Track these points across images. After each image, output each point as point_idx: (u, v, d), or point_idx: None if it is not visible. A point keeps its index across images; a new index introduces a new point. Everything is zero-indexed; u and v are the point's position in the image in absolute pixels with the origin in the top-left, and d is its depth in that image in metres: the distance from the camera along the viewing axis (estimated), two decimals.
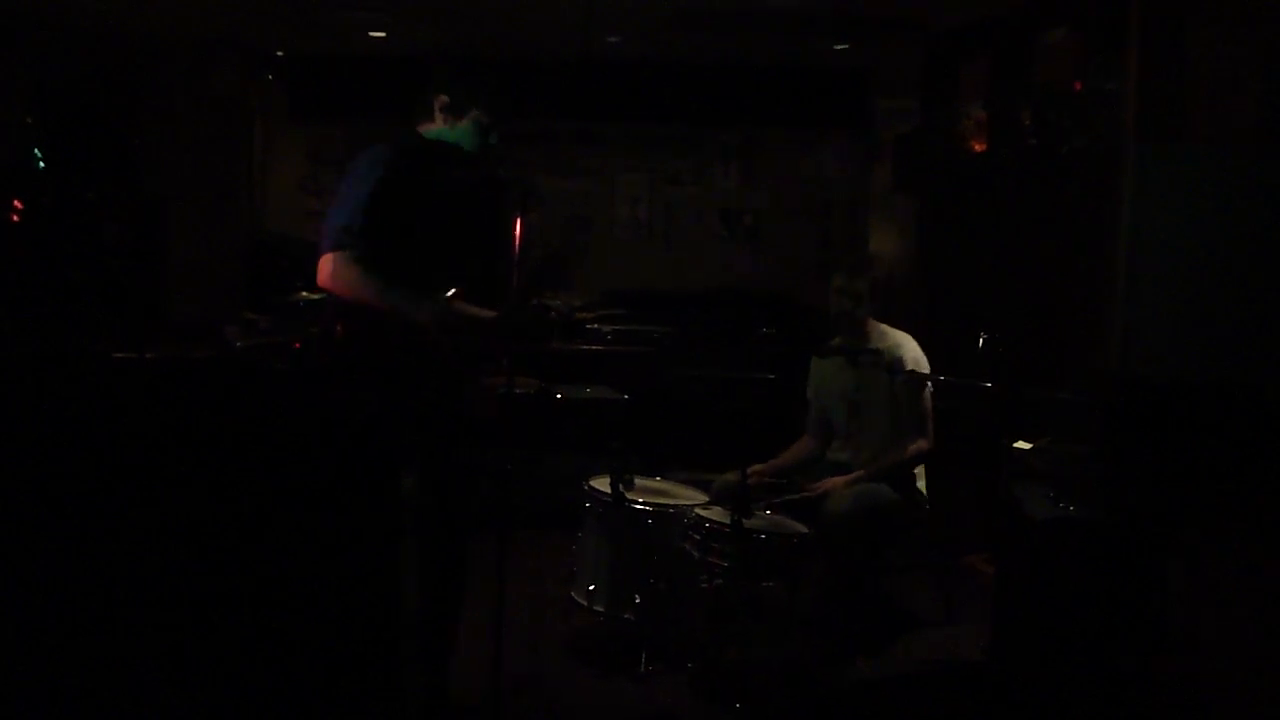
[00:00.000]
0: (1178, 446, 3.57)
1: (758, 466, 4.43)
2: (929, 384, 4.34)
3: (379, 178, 3.24)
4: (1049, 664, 3.62)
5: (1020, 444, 4.08)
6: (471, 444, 3.63)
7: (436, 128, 3.44)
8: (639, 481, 4.20)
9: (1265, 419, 3.58)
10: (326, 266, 3.20)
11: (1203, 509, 3.52)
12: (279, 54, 8.87)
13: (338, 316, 3.32)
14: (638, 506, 4.01)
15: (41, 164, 7.08)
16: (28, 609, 2.71)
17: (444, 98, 3.41)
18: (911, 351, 4.38)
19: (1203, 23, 4.93)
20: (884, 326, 4.47)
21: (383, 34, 7.91)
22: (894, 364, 4.25)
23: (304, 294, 6.11)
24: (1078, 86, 5.55)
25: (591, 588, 4.01)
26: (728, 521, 3.78)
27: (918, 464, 4.41)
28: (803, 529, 3.97)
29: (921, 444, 4.37)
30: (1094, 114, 5.44)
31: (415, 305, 3.23)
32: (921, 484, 4.47)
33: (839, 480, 4.30)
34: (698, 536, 3.87)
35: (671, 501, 4.11)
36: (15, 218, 6.64)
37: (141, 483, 2.74)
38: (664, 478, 4.41)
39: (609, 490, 4.05)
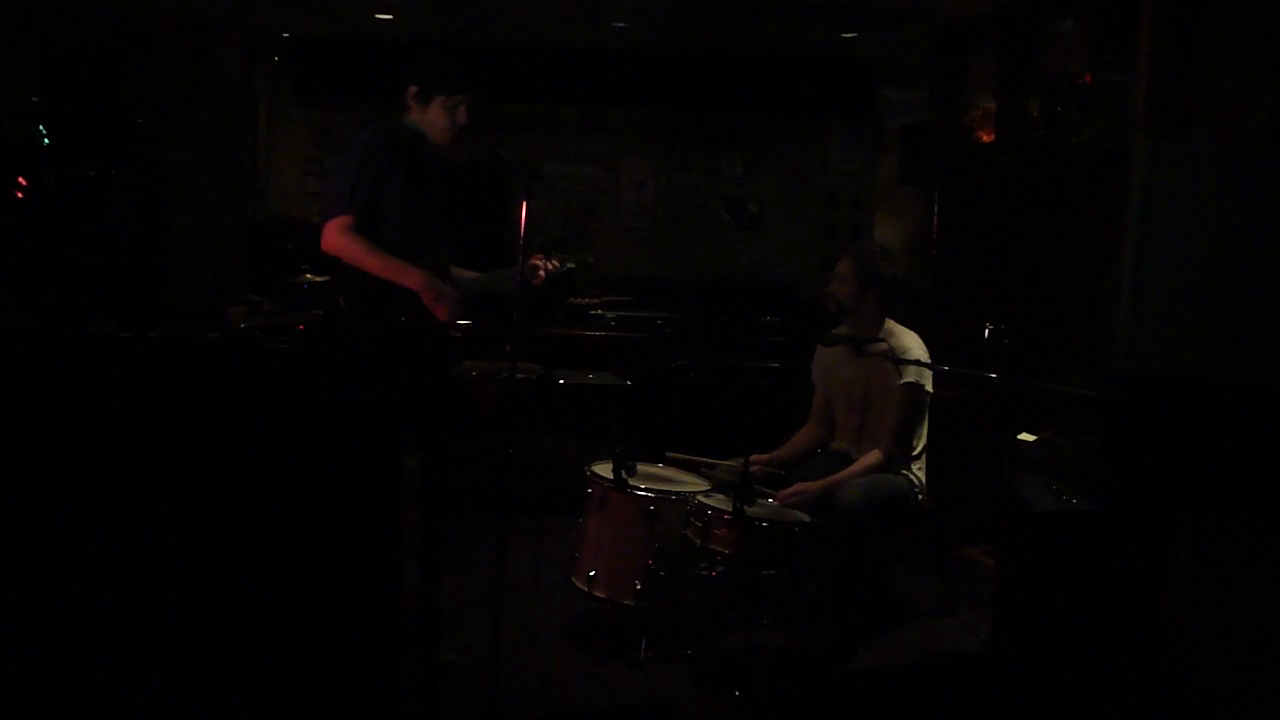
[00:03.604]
0: (1181, 440, 3.56)
1: (760, 456, 4.41)
2: (920, 390, 4.29)
3: (367, 155, 3.60)
4: (1050, 656, 3.62)
5: (1024, 436, 4.07)
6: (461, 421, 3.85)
7: (413, 117, 3.77)
8: (641, 468, 4.19)
9: (1269, 414, 3.57)
10: (327, 233, 3.59)
11: (1205, 502, 3.52)
12: (285, 35, 8.84)
13: (340, 289, 3.69)
14: (639, 492, 4.01)
15: (46, 142, 7.06)
16: (29, 589, 2.71)
17: (413, 87, 3.76)
18: (914, 350, 4.33)
19: (1214, 16, 4.91)
20: (893, 324, 4.42)
21: (389, 16, 7.89)
22: (901, 360, 4.20)
23: (308, 276, 6.10)
24: (1087, 79, 5.52)
25: (592, 574, 4.01)
26: (729, 509, 3.78)
27: (867, 475, 4.27)
28: (804, 517, 3.97)
29: (875, 455, 4.30)
30: (1103, 107, 5.42)
31: (405, 270, 3.56)
32: (921, 473, 4.46)
33: (807, 486, 4.22)
34: (699, 523, 3.87)
35: (673, 488, 4.10)
36: (19, 195, 6.63)
37: (144, 462, 2.74)
38: (665, 464, 4.41)
39: (611, 476, 4.05)
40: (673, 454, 4.48)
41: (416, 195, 3.67)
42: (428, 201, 3.73)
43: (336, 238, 3.57)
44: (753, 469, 3.95)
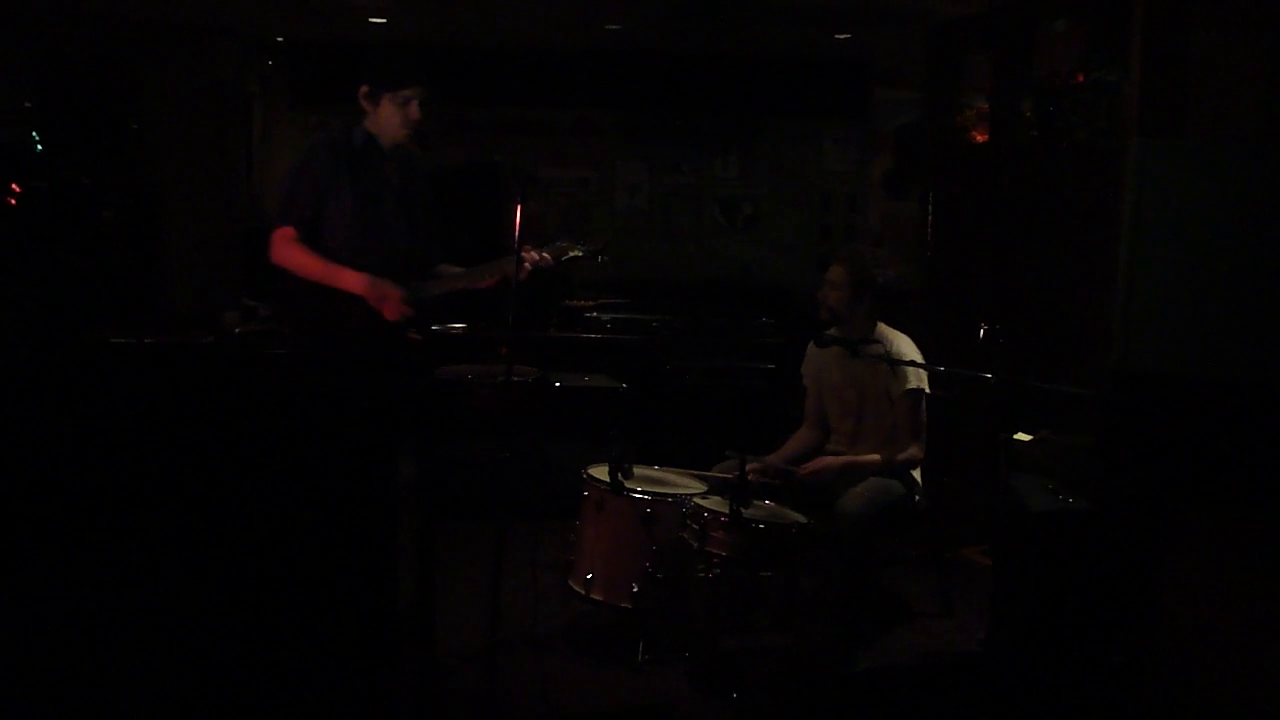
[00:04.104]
0: (1176, 440, 3.57)
1: (756, 464, 4.40)
2: (923, 394, 4.32)
3: (306, 166, 3.68)
4: (1046, 656, 3.62)
5: (1019, 436, 4.08)
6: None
7: (369, 120, 3.80)
8: (637, 470, 4.19)
9: (1265, 413, 3.58)
10: (272, 245, 3.65)
11: (1200, 502, 3.52)
12: (279, 40, 8.84)
13: (281, 303, 3.77)
14: (636, 495, 4.01)
15: (39, 148, 7.05)
16: (28, 592, 2.71)
17: (362, 88, 3.81)
18: (909, 354, 4.34)
19: (1207, 15, 4.91)
20: (883, 326, 4.43)
21: (383, 20, 7.89)
22: (896, 361, 4.22)
23: None
24: (1080, 79, 5.53)
25: (589, 576, 4.01)
26: (726, 511, 3.77)
27: (909, 469, 4.38)
28: (801, 519, 3.97)
29: (914, 451, 4.34)
30: (1096, 106, 5.43)
31: (345, 275, 3.59)
32: (916, 473, 4.46)
33: (830, 460, 4.27)
34: (696, 526, 3.87)
35: (670, 490, 4.10)
36: (13, 202, 6.62)
37: (141, 466, 2.74)
38: (662, 467, 4.41)
39: (607, 478, 4.04)
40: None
41: (367, 201, 3.70)
42: (381, 206, 3.74)
43: (281, 249, 3.64)
44: (749, 476, 3.94)
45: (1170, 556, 3.52)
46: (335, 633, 2.85)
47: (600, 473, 4.11)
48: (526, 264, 3.71)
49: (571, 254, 3.77)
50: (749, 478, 3.88)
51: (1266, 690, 3.22)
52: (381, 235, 3.72)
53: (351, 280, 3.59)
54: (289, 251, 3.63)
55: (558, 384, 6.06)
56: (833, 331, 4.40)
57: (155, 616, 2.73)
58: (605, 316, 6.97)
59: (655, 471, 4.35)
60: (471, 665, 3.69)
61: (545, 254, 3.73)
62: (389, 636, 3.01)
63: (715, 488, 4.20)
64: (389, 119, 3.76)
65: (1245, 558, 3.42)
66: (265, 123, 9.24)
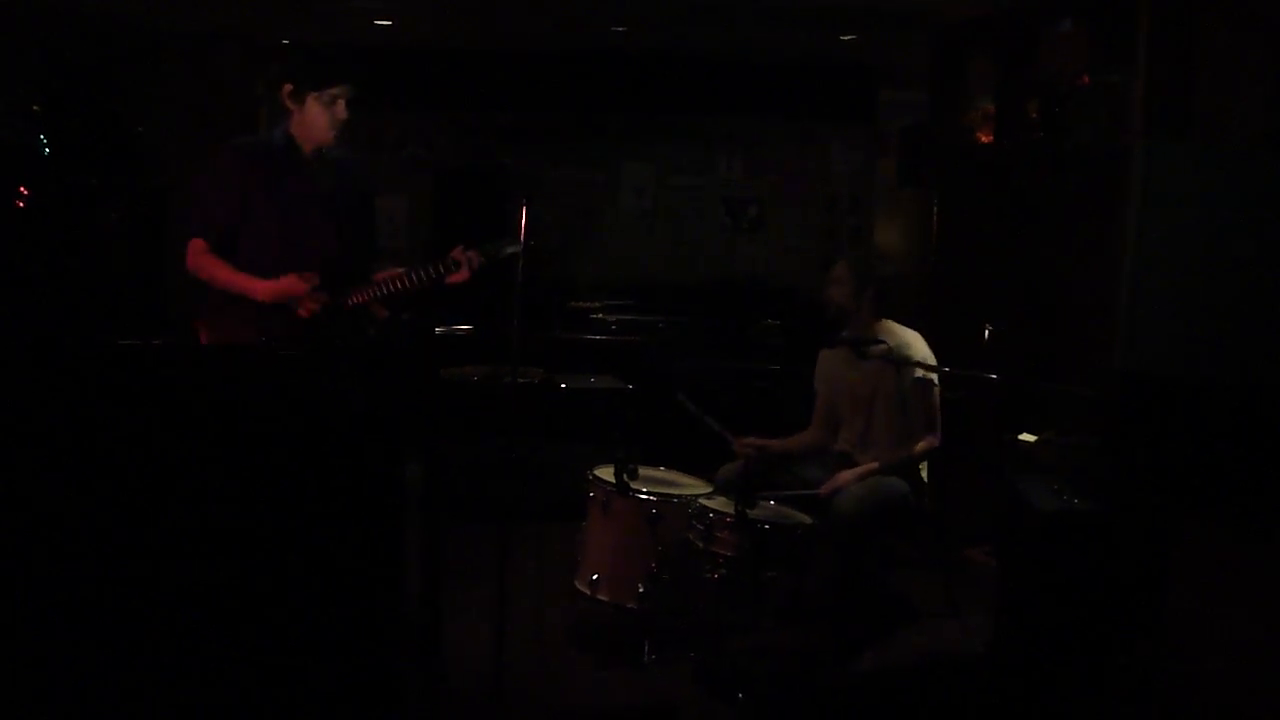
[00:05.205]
0: (1181, 441, 3.57)
1: (755, 440, 4.43)
2: (936, 383, 4.35)
3: (216, 178, 3.64)
4: (1051, 657, 3.62)
5: (1025, 436, 4.08)
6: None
7: (294, 119, 3.70)
8: (643, 471, 4.20)
9: (1267, 414, 3.58)
10: (187, 255, 3.65)
11: (1205, 504, 3.53)
12: (284, 43, 8.86)
13: (197, 318, 3.73)
14: (642, 496, 4.02)
15: (47, 150, 7.08)
16: (29, 595, 2.71)
17: (286, 86, 3.69)
18: (920, 349, 4.37)
19: (1212, 17, 4.92)
20: (891, 324, 4.46)
21: (388, 22, 7.91)
22: (902, 361, 4.24)
23: None
24: (1085, 80, 5.54)
25: (595, 577, 4.02)
26: (731, 511, 3.78)
27: (925, 459, 4.42)
28: (806, 519, 3.98)
29: (931, 440, 4.37)
30: (1101, 108, 5.43)
31: (253, 285, 3.58)
32: (924, 473, 4.48)
33: (848, 475, 4.30)
34: (701, 526, 3.88)
35: (675, 491, 4.11)
36: (20, 204, 6.64)
37: (146, 470, 2.75)
38: (667, 467, 4.42)
39: (613, 479, 4.05)
40: (682, 399, 4.51)
41: (289, 208, 3.64)
42: (305, 212, 3.67)
43: (192, 260, 3.63)
44: (747, 450, 3.96)
45: (1176, 557, 3.52)
46: (341, 635, 2.85)
47: (606, 474, 4.12)
48: (464, 268, 3.69)
49: (507, 251, 3.69)
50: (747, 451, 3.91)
51: (1271, 693, 3.22)
52: (308, 243, 3.65)
53: (259, 290, 3.58)
54: (200, 263, 3.62)
55: (563, 385, 6.08)
56: (844, 333, 4.44)
57: (155, 622, 2.74)
58: (611, 318, 6.99)
59: (660, 472, 4.36)
60: (478, 665, 3.70)
61: (478, 254, 3.70)
62: (395, 638, 3.02)
63: (720, 488, 4.21)
64: (315, 119, 3.67)
65: (1251, 559, 3.42)
66: (270, 126, 9.27)
